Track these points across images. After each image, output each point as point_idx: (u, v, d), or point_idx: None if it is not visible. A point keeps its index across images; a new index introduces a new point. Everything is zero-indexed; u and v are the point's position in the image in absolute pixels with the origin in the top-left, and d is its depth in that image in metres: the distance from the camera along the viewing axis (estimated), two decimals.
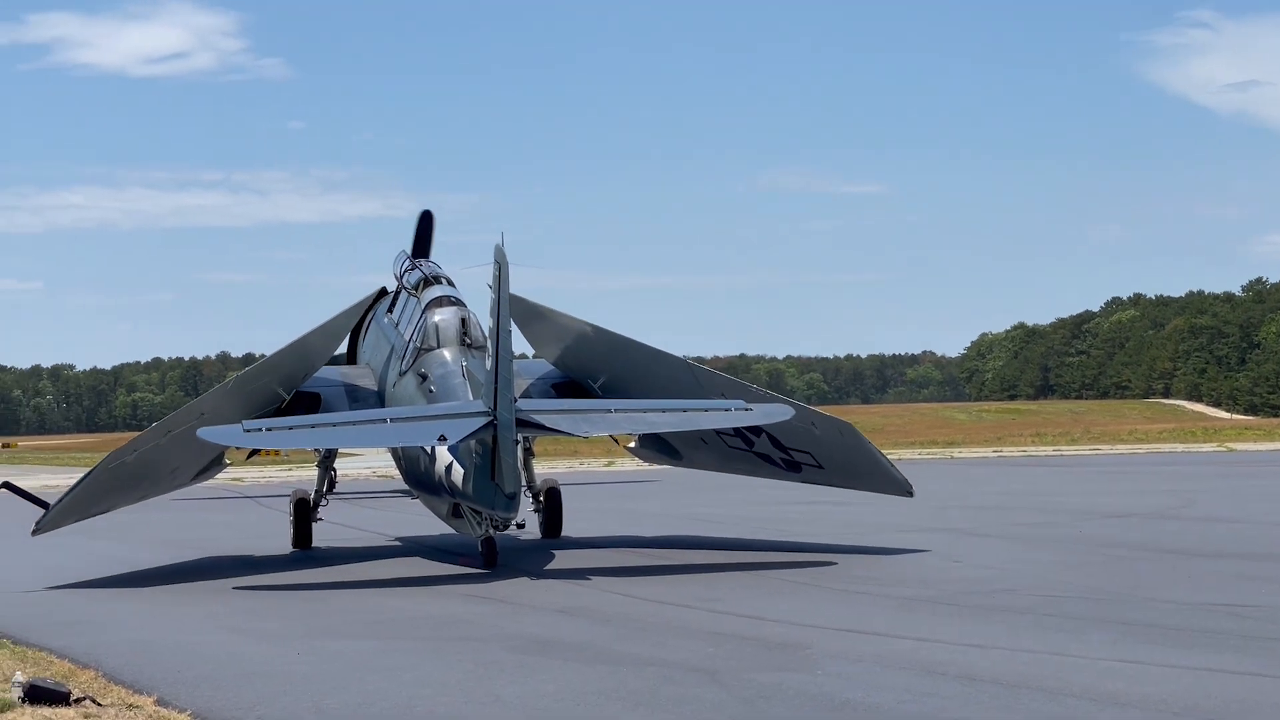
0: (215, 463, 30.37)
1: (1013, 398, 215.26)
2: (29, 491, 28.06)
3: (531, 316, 30.32)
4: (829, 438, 28.07)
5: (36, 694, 14.55)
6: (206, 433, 25.41)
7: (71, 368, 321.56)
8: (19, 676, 15.02)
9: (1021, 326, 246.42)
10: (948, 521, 34.65)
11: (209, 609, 21.90)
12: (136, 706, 14.44)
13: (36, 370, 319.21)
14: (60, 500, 27.28)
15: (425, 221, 35.16)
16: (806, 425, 27.63)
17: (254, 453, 29.23)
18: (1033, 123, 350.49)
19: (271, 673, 16.23)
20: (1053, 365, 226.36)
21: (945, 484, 49.67)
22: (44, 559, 30.15)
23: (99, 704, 14.50)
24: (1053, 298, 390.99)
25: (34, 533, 27.43)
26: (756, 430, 28.15)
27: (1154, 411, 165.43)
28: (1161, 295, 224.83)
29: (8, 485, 28.49)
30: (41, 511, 27.26)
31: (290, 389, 29.91)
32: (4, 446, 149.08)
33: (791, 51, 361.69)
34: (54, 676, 15.63)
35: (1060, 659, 15.94)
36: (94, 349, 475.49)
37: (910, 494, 28.82)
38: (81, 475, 28.51)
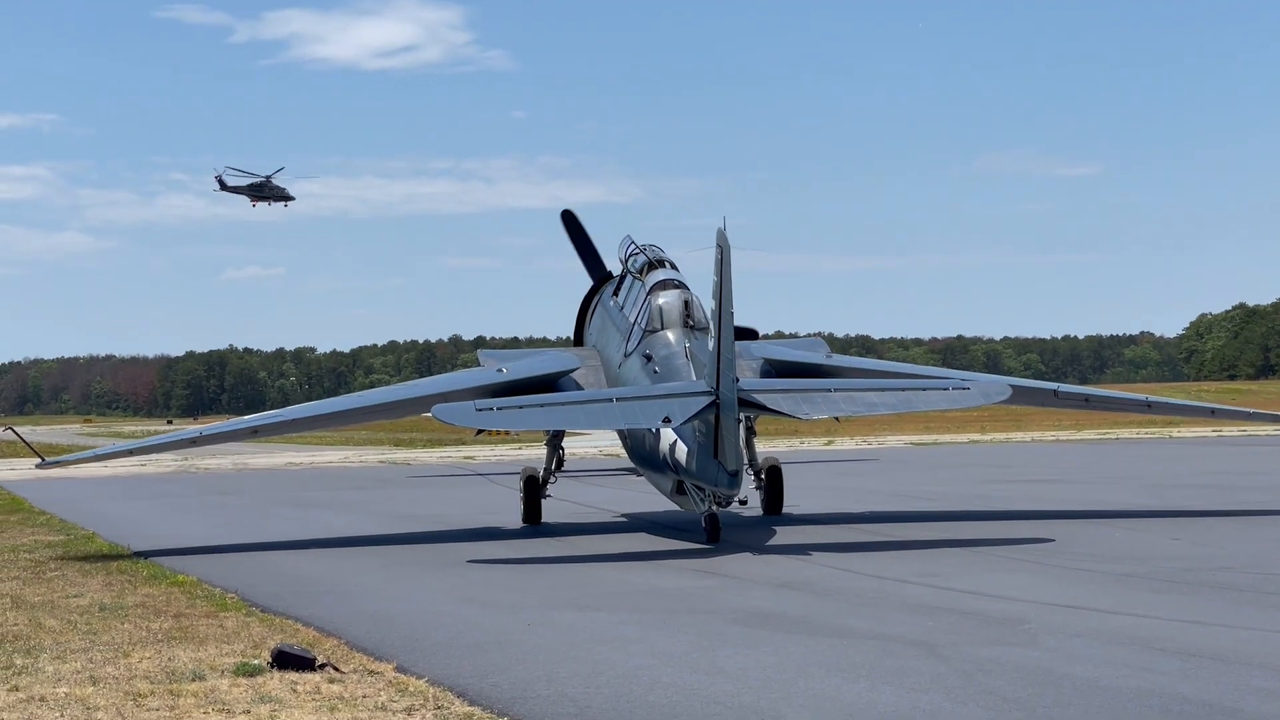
0: None
1: (1232, 378, 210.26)
2: (29, 442, 32.36)
3: None
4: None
5: (284, 659, 14.94)
6: (440, 410, 26.04)
7: (313, 350, 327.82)
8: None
9: (1242, 306, 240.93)
10: (1164, 500, 34.41)
11: (444, 581, 22.48)
12: (376, 673, 14.87)
13: (280, 353, 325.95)
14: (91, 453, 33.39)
15: (570, 222, 36.12)
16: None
17: (480, 431, 29.87)
18: (1250, 99, 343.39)
19: (504, 642, 16.64)
20: (1273, 345, 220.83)
21: (1163, 463, 49.28)
22: (287, 531, 31.37)
23: (340, 670, 14.91)
24: (1274, 276, 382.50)
25: (38, 466, 31.71)
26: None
27: None
28: None
29: (12, 430, 32.32)
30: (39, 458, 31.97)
31: None
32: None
33: (1005, 35, 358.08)
34: (300, 643, 16.10)
35: None
36: (333, 332, 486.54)
37: None
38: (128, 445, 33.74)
